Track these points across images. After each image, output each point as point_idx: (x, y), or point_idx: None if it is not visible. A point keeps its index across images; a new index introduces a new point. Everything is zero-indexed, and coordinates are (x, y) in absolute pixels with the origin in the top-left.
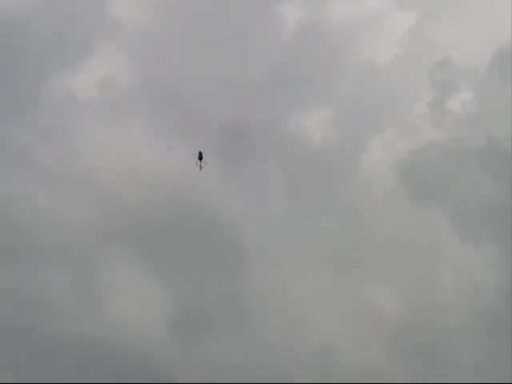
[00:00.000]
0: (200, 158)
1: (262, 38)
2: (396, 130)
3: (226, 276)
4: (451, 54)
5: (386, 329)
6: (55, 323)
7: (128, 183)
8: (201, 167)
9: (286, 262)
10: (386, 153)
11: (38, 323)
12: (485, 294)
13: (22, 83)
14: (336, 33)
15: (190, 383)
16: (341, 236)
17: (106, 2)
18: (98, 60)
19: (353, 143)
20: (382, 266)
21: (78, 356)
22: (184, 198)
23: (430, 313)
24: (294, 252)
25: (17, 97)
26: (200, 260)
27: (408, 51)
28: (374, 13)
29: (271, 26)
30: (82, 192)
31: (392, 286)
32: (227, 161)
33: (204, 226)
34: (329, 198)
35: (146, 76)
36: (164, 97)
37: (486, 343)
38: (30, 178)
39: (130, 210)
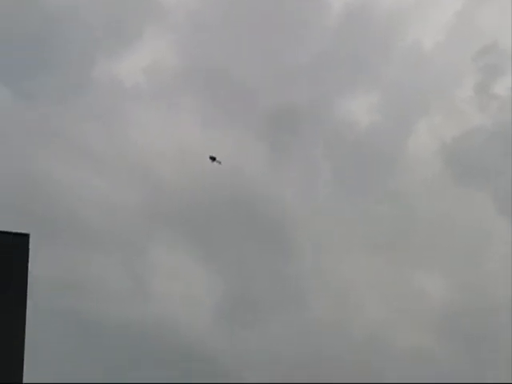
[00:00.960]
0: (213, 159)
1: (309, 23)
2: (442, 115)
3: (275, 260)
4: (497, 38)
5: (434, 312)
6: (104, 306)
7: (176, 167)
8: (219, 162)
9: (334, 246)
10: (432, 137)
11: (87, 305)
12: None
13: (71, 68)
14: (382, 18)
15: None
16: (388, 219)
17: None
18: (145, 45)
19: (399, 128)
20: (429, 248)
21: (126, 337)
22: (233, 183)
23: (479, 295)
24: (343, 235)
25: (66, 82)
26: (249, 244)
27: (454, 35)
28: None
29: (319, 10)
30: (132, 176)
31: (440, 269)
32: (275, 146)
33: (253, 210)
34: (375, 182)
35: (194, 60)
36: (212, 81)
37: None
38: (80, 162)
39: (179, 194)
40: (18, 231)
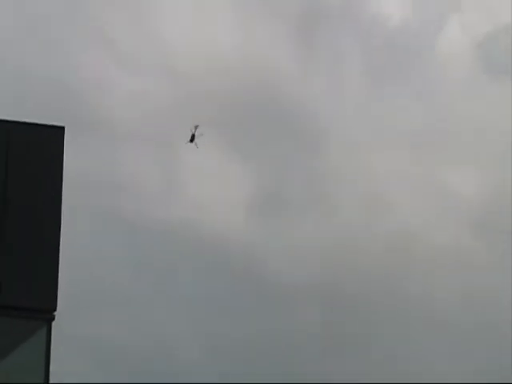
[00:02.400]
0: (192, 139)
1: None
2: (475, 11)
3: (304, 158)
4: None
5: (465, 211)
6: (136, 204)
7: (208, 68)
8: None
9: (363, 144)
10: (465, 34)
11: (118, 204)
12: None
13: None
14: None
15: None
16: (419, 118)
17: None
18: None
19: (431, 24)
20: (461, 147)
21: (157, 238)
22: (264, 83)
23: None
24: (372, 134)
25: None
26: (278, 143)
27: None
28: None
29: None
30: (165, 76)
31: (471, 168)
32: (305, 44)
33: (283, 109)
34: (406, 80)
35: None
36: None
37: None
38: (109, 60)
39: (211, 95)
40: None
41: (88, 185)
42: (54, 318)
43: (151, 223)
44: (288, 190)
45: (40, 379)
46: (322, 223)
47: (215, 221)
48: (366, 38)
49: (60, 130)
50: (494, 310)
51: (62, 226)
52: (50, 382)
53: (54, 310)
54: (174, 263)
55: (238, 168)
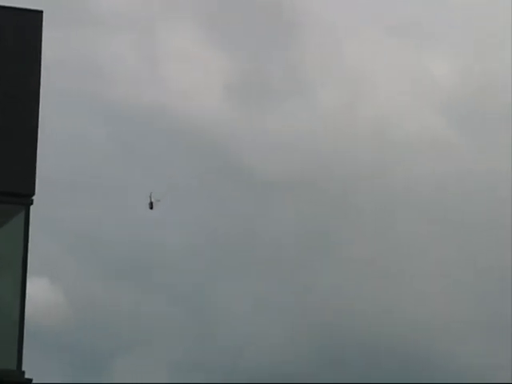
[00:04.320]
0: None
1: None
2: None
3: (282, 44)
4: None
5: (440, 96)
6: (114, 88)
7: None
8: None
9: (341, 29)
10: None
11: (98, 89)
12: None
13: None
14: None
15: None
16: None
17: None
18: None
19: None
20: (446, 36)
21: (135, 123)
22: None
23: (485, 83)
24: (348, 18)
25: None
26: (257, 30)
27: None
28: None
29: None
30: None
31: (449, 54)
32: None
33: None
34: None
35: None
36: None
37: None
38: None
39: None
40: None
41: (67, 69)
42: (32, 203)
43: (130, 108)
44: (267, 77)
45: (18, 264)
46: (301, 109)
47: (192, 107)
48: None
49: (38, 14)
50: (468, 192)
51: (40, 110)
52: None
53: (33, 194)
54: (153, 149)
55: (216, 53)
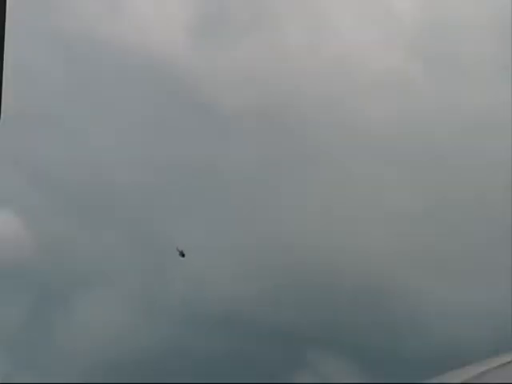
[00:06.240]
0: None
1: None
2: None
3: None
4: None
5: (406, 34)
6: (80, 23)
7: None
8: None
9: None
10: None
11: (61, 24)
12: None
13: None
14: None
15: None
16: None
17: None
18: None
19: None
20: None
21: (97, 61)
22: None
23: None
24: None
25: None
26: None
27: None
28: None
29: None
30: None
31: None
32: None
33: None
34: None
35: None
36: None
37: None
38: None
39: None
40: None
41: (32, 4)
42: None
43: (93, 45)
44: (228, 11)
45: None
46: (262, 46)
47: (153, 42)
48: None
49: None
50: (428, 131)
51: (5, 43)
52: None
53: None
54: (113, 87)
55: None
